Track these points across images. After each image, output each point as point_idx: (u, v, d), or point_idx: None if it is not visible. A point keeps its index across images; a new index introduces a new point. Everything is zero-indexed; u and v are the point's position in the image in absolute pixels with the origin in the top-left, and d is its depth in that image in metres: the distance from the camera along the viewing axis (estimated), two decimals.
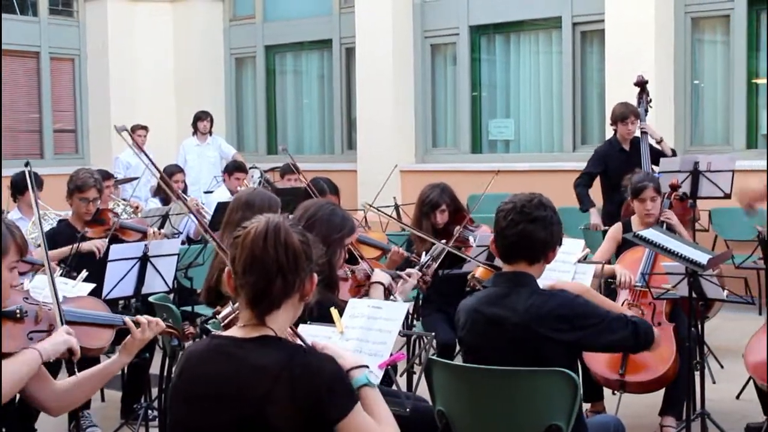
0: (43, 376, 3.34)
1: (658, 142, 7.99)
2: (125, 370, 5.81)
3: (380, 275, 4.46)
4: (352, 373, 2.60)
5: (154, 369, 5.70)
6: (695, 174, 7.15)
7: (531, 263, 3.53)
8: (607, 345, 3.55)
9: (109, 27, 13.08)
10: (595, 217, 7.94)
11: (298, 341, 2.79)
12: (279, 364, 2.46)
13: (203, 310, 6.16)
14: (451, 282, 5.67)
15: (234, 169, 9.25)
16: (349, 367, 2.61)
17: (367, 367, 2.70)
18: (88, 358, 4.50)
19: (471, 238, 5.95)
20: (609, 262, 5.75)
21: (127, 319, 3.61)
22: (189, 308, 6.60)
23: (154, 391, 5.83)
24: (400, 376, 5.54)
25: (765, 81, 9.67)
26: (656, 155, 7.80)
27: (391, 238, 7.06)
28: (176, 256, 5.97)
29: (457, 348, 5.10)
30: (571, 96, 10.62)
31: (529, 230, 3.47)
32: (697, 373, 5.21)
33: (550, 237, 3.52)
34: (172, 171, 9.01)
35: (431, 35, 11.67)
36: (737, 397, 5.89)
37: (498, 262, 3.91)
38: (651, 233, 4.94)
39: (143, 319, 3.58)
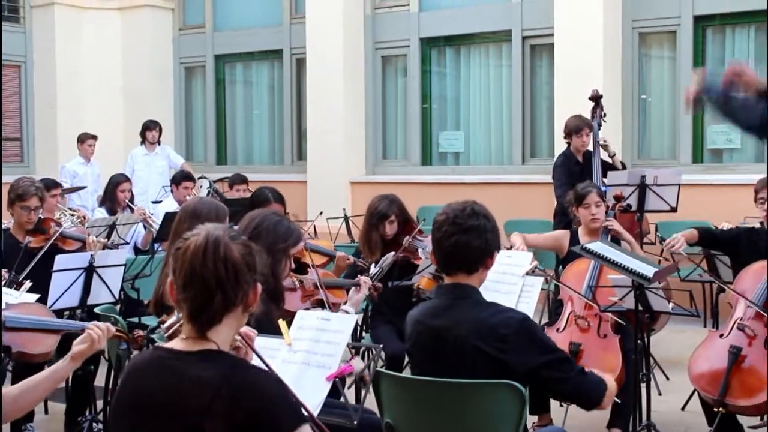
0: None
1: (611, 157, 8.06)
2: (69, 383, 5.73)
3: (349, 309, 4.48)
4: None
5: (99, 381, 5.62)
6: (642, 188, 7.24)
7: (470, 273, 3.52)
8: (546, 380, 3.41)
9: (56, 34, 12.89)
10: None
11: (251, 353, 2.77)
12: (219, 378, 2.43)
13: (150, 321, 6.09)
14: (400, 293, 5.67)
15: (182, 178, 9.18)
16: None
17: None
18: (32, 365, 4.44)
19: (420, 249, 5.96)
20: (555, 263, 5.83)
21: (93, 326, 3.53)
22: (136, 319, 6.53)
23: (99, 404, 5.75)
24: (348, 388, 5.52)
25: None
26: (607, 169, 7.88)
27: (340, 249, 7.04)
28: (123, 267, 5.91)
29: (406, 360, 5.09)
30: (521, 109, 10.69)
31: (463, 240, 3.47)
32: (643, 385, 5.26)
33: (485, 245, 3.50)
34: (119, 180, 8.90)
35: (382, 47, 11.68)
36: (683, 409, 5.95)
37: None
38: (598, 246, 4.98)
39: (103, 327, 3.53)
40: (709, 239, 5.83)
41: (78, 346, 3.43)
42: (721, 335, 4.99)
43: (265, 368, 2.60)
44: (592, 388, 3.43)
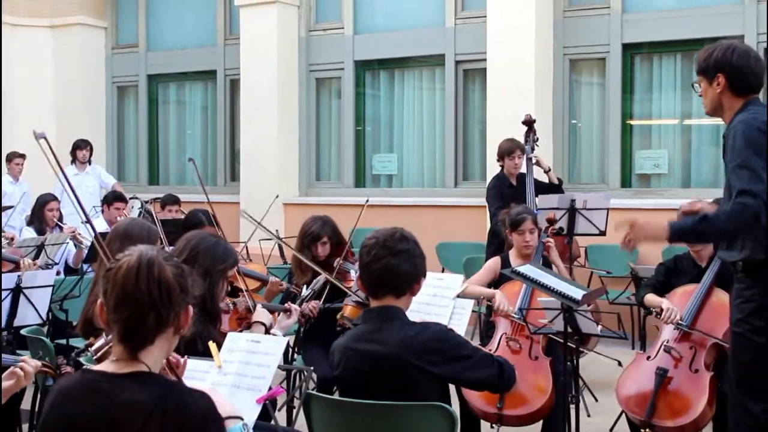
0: None
1: (546, 172, 8.18)
2: None
3: (262, 315, 4.42)
4: (227, 422, 2.58)
5: (25, 404, 5.52)
6: (572, 211, 7.34)
7: (398, 296, 3.57)
8: (474, 381, 3.66)
9: None
10: None
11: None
12: (152, 400, 2.41)
13: (78, 342, 5.99)
14: (331, 316, 5.66)
15: (113, 199, 9.07)
16: (225, 416, 2.58)
17: (242, 418, 2.68)
18: None
19: (352, 271, 5.96)
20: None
21: (24, 365, 3.48)
22: (63, 341, 6.42)
23: (25, 428, 5.64)
24: (279, 411, 5.50)
25: (638, 122, 10.00)
26: (543, 188, 7.98)
27: (273, 271, 7.02)
28: (51, 288, 5.83)
29: None
30: (453, 132, 10.77)
31: (393, 264, 3.52)
32: (572, 407, 5.31)
33: (413, 269, 3.57)
34: (47, 200, 8.78)
35: (316, 69, 11.71)
36: (611, 430, 6.00)
37: None
38: (528, 269, 5.03)
39: (32, 363, 3.47)
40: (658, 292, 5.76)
41: (4, 382, 3.39)
42: (648, 357, 5.08)
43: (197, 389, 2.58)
44: (510, 373, 3.65)
